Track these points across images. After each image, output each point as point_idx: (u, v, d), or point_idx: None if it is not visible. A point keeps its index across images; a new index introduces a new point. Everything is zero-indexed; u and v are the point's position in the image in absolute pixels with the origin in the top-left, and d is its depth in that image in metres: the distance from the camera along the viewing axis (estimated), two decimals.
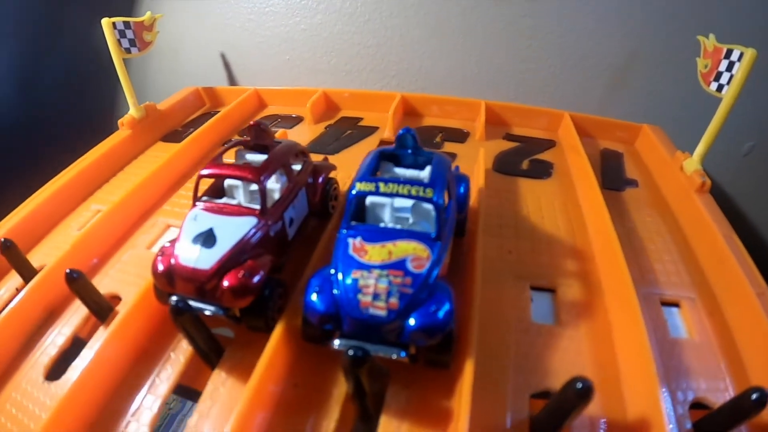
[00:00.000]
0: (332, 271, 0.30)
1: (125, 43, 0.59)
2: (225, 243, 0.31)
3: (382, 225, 0.33)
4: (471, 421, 0.26)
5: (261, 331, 0.32)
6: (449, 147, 0.59)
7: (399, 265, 0.29)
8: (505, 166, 0.56)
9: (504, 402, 0.31)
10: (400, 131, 0.35)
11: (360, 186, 0.31)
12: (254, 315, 0.31)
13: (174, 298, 0.30)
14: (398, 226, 0.33)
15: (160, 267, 0.31)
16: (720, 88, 0.45)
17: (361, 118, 0.66)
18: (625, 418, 0.30)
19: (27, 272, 0.40)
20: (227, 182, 0.37)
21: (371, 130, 0.62)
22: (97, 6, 0.68)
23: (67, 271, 0.34)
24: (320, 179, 0.42)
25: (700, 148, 0.48)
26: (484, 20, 0.68)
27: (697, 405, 0.32)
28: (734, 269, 0.39)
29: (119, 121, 0.61)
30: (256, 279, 0.30)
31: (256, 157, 0.39)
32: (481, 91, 0.72)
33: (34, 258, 0.45)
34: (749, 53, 0.42)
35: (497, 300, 0.38)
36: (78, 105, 0.91)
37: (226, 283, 0.29)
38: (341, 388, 0.31)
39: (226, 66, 0.83)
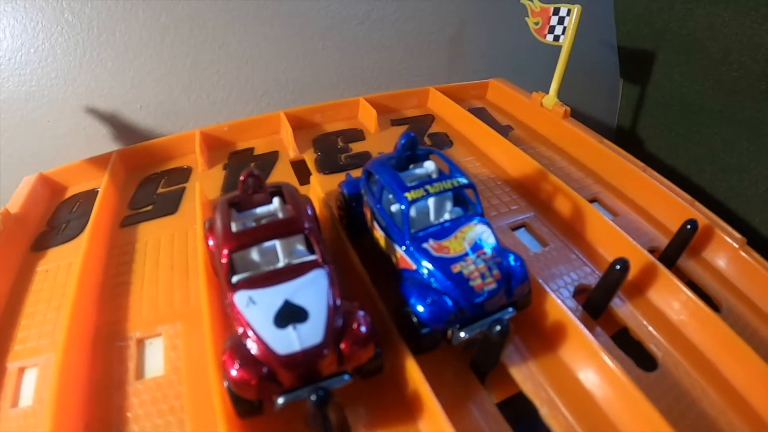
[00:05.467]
0: (429, 278, 0.30)
1: None
2: (316, 308, 0.27)
3: (435, 221, 0.33)
4: None
5: (378, 371, 0.29)
6: (356, 147, 0.59)
7: (479, 246, 0.31)
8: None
9: None
10: (404, 137, 0.35)
11: (411, 195, 0.31)
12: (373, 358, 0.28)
13: (300, 392, 0.26)
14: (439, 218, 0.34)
15: (252, 376, 0.25)
16: (557, 38, 0.57)
17: (253, 148, 0.60)
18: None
19: None
20: (239, 254, 0.31)
21: (273, 156, 0.58)
22: None
23: None
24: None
25: (554, 85, 0.60)
26: (337, 22, 0.69)
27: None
28: (621, 163, 0.52)
29: None
30: (368, 323, 0.27)
31: (258, 210, 0.33)
32: (349, 88, 0.74)
33: None
34: (577, 9, 0.54)
35: None
36: None
37: (345, 344, 0.26)
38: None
39: (71, 135, 0.65)
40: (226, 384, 0.27)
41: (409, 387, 0.30)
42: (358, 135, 0.62)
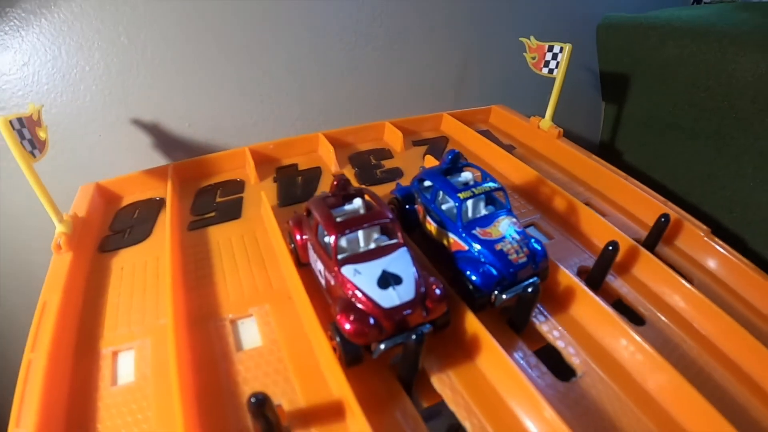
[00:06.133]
0: (478, 255, 0.42)
1: (27, 145, 0.48)
2: (407, 274, 0.38)
3: (474, 216, 0.45)
4: None
5: (447, 325, 0.41)
6: (387, 164, 0.72)
7: (511, 231, 0.43)
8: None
9: None
10: (450, 153, 0.47)
11: (463, 195, 0.43)
12: (444, 314, 0.40)
13: (396, 339, 0.37)
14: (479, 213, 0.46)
15: (363, 325, 0.35)
16: (551, 71, 0.71)
17: (297, 164, 0.72)
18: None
19: None
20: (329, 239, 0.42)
21: (317, 171, 0.70)
22: None
23: None
24: None
25: (549, 111, 0.74)
26: (360, 58, 0.84)
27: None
28: (607, 174, 0.65)
29: (54, 245, 0.51)
30: (441, 286, 0.39)
31: (347, 206, 0.45)
32: (369, 113, 0.87)
33: None
34: (568, 47, 0.68)
35: None
36: None
37: (428, 301, 0.37)
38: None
39: (120, 149, 0.75)
40: (337, 340, 0.38)
41: (468, 334, 0.41)
42: (386, 154, 0.75)
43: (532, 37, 0.73)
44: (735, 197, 0.88)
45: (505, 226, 0.43)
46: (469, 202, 0.46)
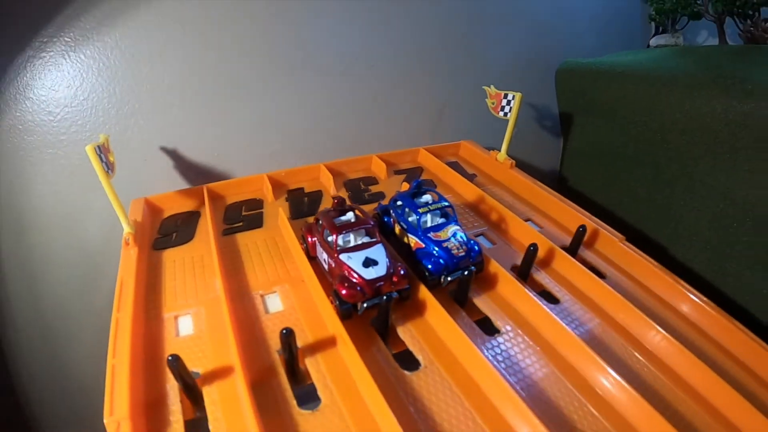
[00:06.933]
0: (434, 252, 0.63)
1: (105, 167, 0.64)
2: (381, 259, 0.58)
3: (431, 224, 0.67)
4: None
5: (408, 298, 0.61)
6: (373, 188, 0.93)
7: (455, 235, 0.64)
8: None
9: None
10: (415, 182, 0.69)
11: (422, 210, 0.65)
12: (406, 288, 0.60)
13: (374, 300, 0.57)
14: (434, 223, 0.68)
15: (353, 290, 0.55)
16: (506, 114, 0.93)
17: (303, 187, 0.93)
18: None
19: None
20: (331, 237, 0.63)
21: (319, 194, 0.91)
22: None
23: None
24: None
25: (504, 146, 0.96)
26: (356, 101, 1.07)
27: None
28: (545, 196, 0.87)
29: (124, 242, 0.70)
30: (405, 269, 0.59)
31: (343, 217, 0.66)
32: (361, 147, 1.09)
33: None
34: (518, 96, 0.90)
35: None
36: None
37: (397, 277, 0.58)
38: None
39: (160, 171, 0.96)
40: (336, 303, 0.58)
41: (423, 303, 0.61)
42: (372, 180, 0.96)
43: (492, 86, 0.95)
44: (669, 216, 1.07)
45: (451, 231, 0.65)
46: (428, 216, 0.67)
